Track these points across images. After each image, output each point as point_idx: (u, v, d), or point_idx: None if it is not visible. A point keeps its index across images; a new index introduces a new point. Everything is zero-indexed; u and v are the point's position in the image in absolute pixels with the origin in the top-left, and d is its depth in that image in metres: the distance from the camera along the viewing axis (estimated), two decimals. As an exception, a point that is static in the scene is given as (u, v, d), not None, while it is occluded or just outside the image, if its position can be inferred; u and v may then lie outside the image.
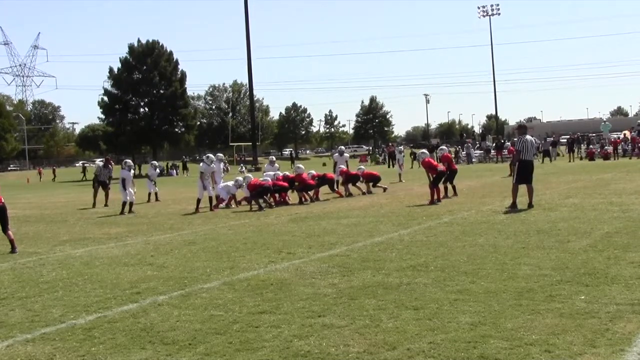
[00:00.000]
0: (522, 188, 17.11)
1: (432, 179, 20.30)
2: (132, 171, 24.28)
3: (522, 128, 18.86)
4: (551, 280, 8.21)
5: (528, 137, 17.85)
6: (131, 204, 22.74)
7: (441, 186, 20.86)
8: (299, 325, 6.81)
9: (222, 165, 24.91)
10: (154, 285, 9.34)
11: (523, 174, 17.30)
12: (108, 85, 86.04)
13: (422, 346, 5.89)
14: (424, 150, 24.84)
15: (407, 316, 6.90)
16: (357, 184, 25.21)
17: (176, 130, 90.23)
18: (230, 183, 23.02)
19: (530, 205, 16.68)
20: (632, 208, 15.42)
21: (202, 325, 7.02)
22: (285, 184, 22.94)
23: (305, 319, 7.04)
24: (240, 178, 22.53)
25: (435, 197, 20.01)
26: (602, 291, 7.54)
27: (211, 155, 23.78)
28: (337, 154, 29.85)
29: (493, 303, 7.22)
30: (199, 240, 14.14)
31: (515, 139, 19.36)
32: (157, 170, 30.07)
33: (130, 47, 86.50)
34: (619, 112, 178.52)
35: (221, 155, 26.22)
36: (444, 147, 29.26)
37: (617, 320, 6.33)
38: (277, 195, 22.59)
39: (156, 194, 28.07)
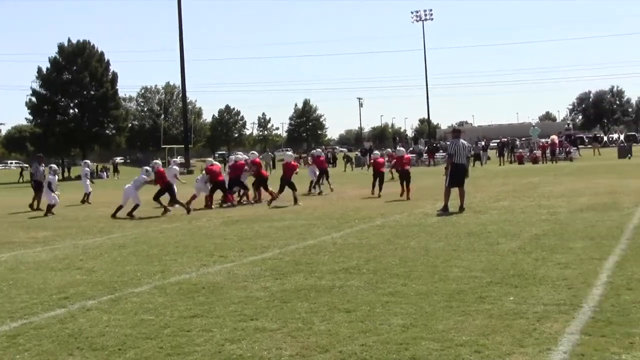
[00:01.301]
0: (455, 191, 17.33)
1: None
2: (57, 175, 24.77)
3: (455, 132, 19.24)
4: (481, 282, 8.32)
5: (462, 141, 18.11)
6: (53, 206, 22.86)
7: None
8: (231, 329, 6.75)
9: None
10: (82, 290, 9.15)
11: (455, 177, 17.50)
12: (36, 86, 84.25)
13: (354, 348, 5.90)
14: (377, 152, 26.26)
15: (340, 319, 6.90)
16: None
17: (107, 132, 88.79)
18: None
19: (461, 209, 16.91)
20: (559, 211, 15.77)
21: (132, 330, 6.90)
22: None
23: (237, 322, 6.98)
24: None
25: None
26: (530, 292, 7.67)
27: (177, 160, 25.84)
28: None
29: (424, 305, 7.28)
30: (130, 243, 13.93)
31: (448, 142, 19.85)
32: (88, 169, 30.21)
33: (60, 46, 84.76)
34: (548, 117, 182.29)
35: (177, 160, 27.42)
36: (376, 152, 30.26)
37: (544, 321, 6.45)
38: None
39: (88, 195, 28.26)
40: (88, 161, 33.39)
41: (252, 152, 29.99)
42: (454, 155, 17.70)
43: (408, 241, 12.17)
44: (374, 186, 24.63)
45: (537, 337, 5.96)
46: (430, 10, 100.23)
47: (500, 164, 52.04)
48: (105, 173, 76.72)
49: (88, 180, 28.97)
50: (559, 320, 6.45)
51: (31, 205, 25.47)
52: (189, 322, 7.11)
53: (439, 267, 9.48)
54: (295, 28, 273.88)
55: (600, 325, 6.23)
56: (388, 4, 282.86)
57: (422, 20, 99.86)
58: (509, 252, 10.45)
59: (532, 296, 7.47)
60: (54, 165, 25.80)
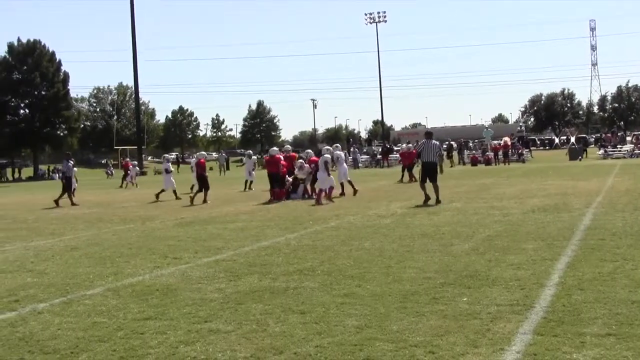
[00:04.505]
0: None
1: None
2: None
3: (428, 134, 20.99)
4: (435, 283, 8.36)
5: (433, 141, 19.73)
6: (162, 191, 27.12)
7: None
8: (185, 331, 6.69)
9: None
10: (33, 293, 9.00)
11: (424, 174, 19.47)
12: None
13: (309, 350, 5.88)
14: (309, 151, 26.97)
15: (294, 320, 6.88)
16: None
17: (58, 132, 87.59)
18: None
19: (437, 201, 18.64)
20: (512, 212, 15.92)
21: (84, 333, 6.80)
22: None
23: (191, 324, 6.92)
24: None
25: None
26: (484, 293, 7.73)
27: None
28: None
29: (379, 306, 7.29)
30: (82, 245, 13.73)
31: (417, 143, 21.50)
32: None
33: (10, 46, 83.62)
34: (500, 119, 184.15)
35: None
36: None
37: (497, 321, 6.50)
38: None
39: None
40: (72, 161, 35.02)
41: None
42: (421, 155, 19.54)
43: (362, 242, 12.19)
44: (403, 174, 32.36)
45: (490, 338, 6.00)
46: (384, 12, 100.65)
47: (451, 166, 52.48)
48: (57, 174, 75.57)
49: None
50: (512, 320, 6.51)
51: (56, 201, 26.33)
52: (142, 324, 7.02)
53: (393, 268, 9.50)
54: (249, 29, 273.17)
55: (553, 325, 6.29)
56: (342, 6, 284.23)
57: (376, 22, 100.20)
58: (463, 253, 10.52)
59: (485, 297, 7.52)
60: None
